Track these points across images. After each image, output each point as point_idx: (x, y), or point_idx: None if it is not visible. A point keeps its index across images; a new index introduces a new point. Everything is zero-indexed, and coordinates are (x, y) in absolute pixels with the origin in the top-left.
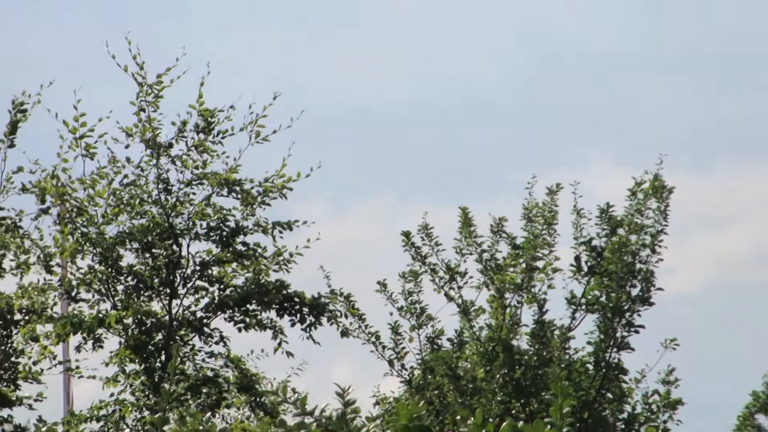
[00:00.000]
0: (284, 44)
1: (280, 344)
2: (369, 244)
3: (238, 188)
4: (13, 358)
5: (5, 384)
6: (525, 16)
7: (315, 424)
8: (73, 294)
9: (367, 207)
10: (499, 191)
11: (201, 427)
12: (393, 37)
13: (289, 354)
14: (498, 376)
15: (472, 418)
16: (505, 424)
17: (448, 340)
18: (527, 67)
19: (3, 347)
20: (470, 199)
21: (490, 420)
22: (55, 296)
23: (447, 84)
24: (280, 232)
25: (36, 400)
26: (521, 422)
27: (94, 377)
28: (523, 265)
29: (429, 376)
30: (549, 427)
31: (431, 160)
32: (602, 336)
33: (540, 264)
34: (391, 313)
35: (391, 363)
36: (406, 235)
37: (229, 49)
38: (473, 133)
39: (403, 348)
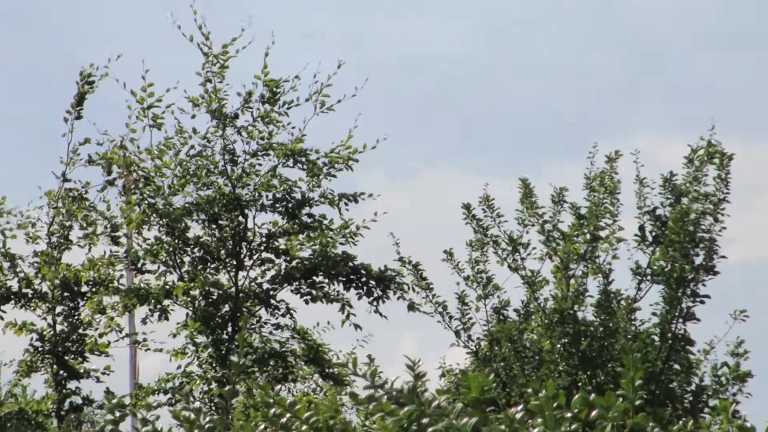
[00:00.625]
0: (347, 13)
1: (347, 317)
2: (431, 214)
3: (303, 159)
4: (80, 331)
5: (73, 356)
6: None
7: (386, 396)
8: (139, 265)
9: (430, 176)
10: (561, 158)
11: (270, 400)
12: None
13: (357, 326)
14: (561, 347)
15: (544, 391)
16: (577, 396)
17: (515, 311)
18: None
19: (70, 319)
20: (532, 167)
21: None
22: (121, 268)
23: (509, 51)
24: (346, 204)
25: (103, 373)
26: (592, 395)
27: (160, 350)
28: (587, 235)
29: (495, 348)
30: (620, 399)
31: (492, 129)
32: (667, 307)
33: (604, 234)
34: (458, 283)
35: (457, 334)
36: (467, 207)
37: (292, 18)
38: (532, 100)
39: (470, 318)
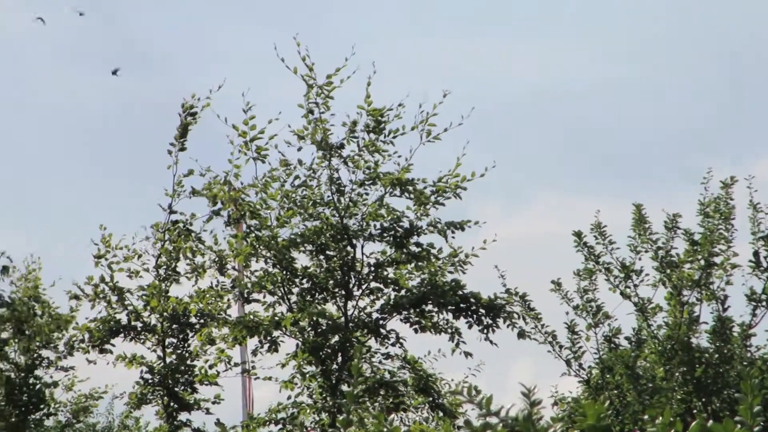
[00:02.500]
0: (444, 43)
1: (457, 345)
2: (541, 241)
3: (410, 188)
4: (189, 362)
5: (183, 388)
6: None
7: (501, 424)
8: (248, 297)
9: (540, 203)
10: (673, 183)
11: (384, 429)
12: (550, 33)
13: (468, 354)
14: (677, 374)
15: (660, 418)
16: (694, 423)
17: (626, 338)
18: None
19: (180, 351)
20: (646, 191)
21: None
22: (229, 299)
23: (617, 71)
24: (453, 232)
25: (214, 403)
26: (710, 421)
27: (270, 378)
28: (701, 261)
29: (607, 376)
30: (739, 426)
31: (603, 153)
32: None
33: (718, 260)
34: (567, 312)
35: (568, 363)
36: (578, 235)
37: (392, 48)
38: (646, 122)
39: (581, 347)
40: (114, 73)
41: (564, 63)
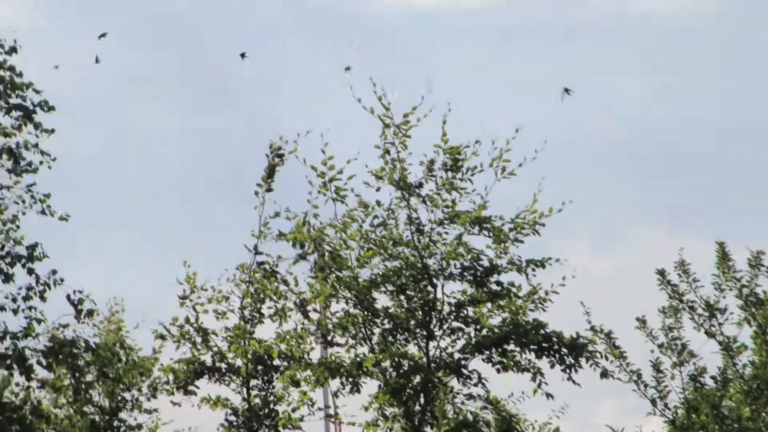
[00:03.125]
0: (510, 81)
1: (539, 386)
2: (625, 278)
3: (488, 225)
4: (272, 405)
5: (266, 430)
6: None
7: None
8: (330, 338)
9: (626, 240)
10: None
11: None
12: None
13: (549, 395)
14: (764, 414)
15: None
16: None
17: (712, 378)
18: None
19: (264, 393)
20: (730, 230)
21: None
22: (311, 341)
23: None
24: (533, 269)
25: None
26: None
27: (353, 424)
28: None
29: (693, 416)
30: None
31: (689, 189)
32: None
33: None
34: (652, 350)
35: (653, 402)
36: (661, 273)
37: (462, 85)
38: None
39: (666, 386)
40: (242, 56)
41: (644, 95)
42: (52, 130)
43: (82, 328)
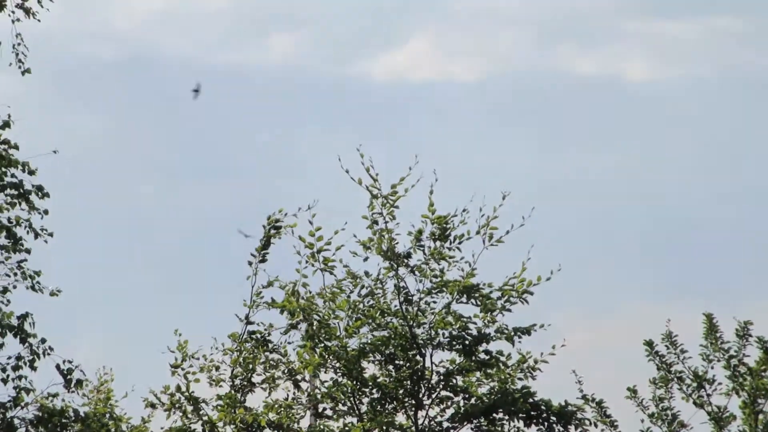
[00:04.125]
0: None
1: None
2: (615, 349)
3: (476, 294)
4: None
5: None
6: None
7: None
8: (320, 410)
9: (617, 311)
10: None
11: None
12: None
13: None
14: None
15: None
16: None
17: None
18: None
19: None
20: (717, 299)
21: None
22: (301, 411)
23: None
24: (519, 337)
25: None
26: None
27: None
28: None
29: None
30: None
31: (676, 259)
32: None
33: None
34: (642, 420)
35: None
36: (649, 344)
37: (447, 151)
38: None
39: None
40: (195, 91)
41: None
42: (46, 211)
43: (71, 397)
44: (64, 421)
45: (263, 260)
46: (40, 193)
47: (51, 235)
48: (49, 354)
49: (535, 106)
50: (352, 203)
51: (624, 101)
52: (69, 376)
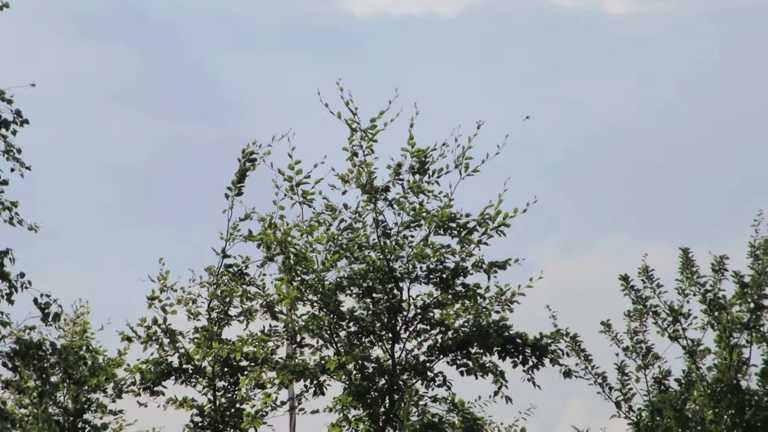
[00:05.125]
0: (489, 78)
1: (500, 389)
2: (595, 284)
3: (454, 224)
4: (238, 405)
5: (232, 431)
6: None
7: None
8: (298, 339)
9: (597, 246)
10: (722, 224)
11: None
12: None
13: (509, 399)
14: (726, 417)
15: None
16: None
17: (676, 380)
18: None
19: (230, 394)
20: (692, 233)
21: None
22: (276, 343)
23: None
24: (495, 272)
25: None
26: None
27: (317, 411)
28: (750, 303)
29: (657, 418)
30: None
31: (656, 195)
32: None
33: (767, 302)
34: (617, 354)
35: (618, 405)
36: (625, 279)
37: (434, 85)
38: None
39: (630, 389)
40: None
41: (618, 102)
42: (19, 150)
43: (48, 330)
44: (40, 354)
45: (239, 193)
46: (19, 120)
47: (29, 168)
48: (27, 288)
49: (517, 40)
50: (331, 136)
51: (603, 34)
52: (46, 310)
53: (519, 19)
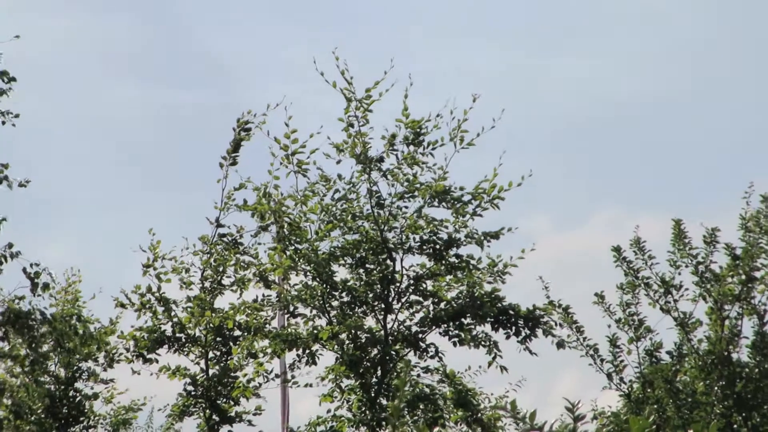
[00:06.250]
0: (485, 55)
1: (494, 359)
2: (590, 256)
3: (448, 197)
4: (232, 374)
5: (224, 400)
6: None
7: None
8: (291, 309)
9: (592, 218)
10: (715, 196)
11: None
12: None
13: (504, 369)
14: (717, 389)
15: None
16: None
17: (668, 353)
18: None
19: (222, 363)
20: (689, 205)
21: None
22: (268, 312)
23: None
24: (489, 242)
25: (255, 414)
26: None
27: (309, 385)
28: (742, 275)
29: (648, 390)
30: None
31: (651, 168)
32: None
33: (759, 274)
34: (609, 326)
35: (609, 376)
36: (617, 250)
37: (432, 58)
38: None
39: (622, 361)
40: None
41: (613, 78)
42: (17, 115)
43: (38, 300)
44: (31, 323)
45: (234, 163)
46: (6, 78)
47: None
48: (16, 257)
49: (516, 13)
50: (328, 105)
51: (606, 11)
52: (36, 280)
53: None
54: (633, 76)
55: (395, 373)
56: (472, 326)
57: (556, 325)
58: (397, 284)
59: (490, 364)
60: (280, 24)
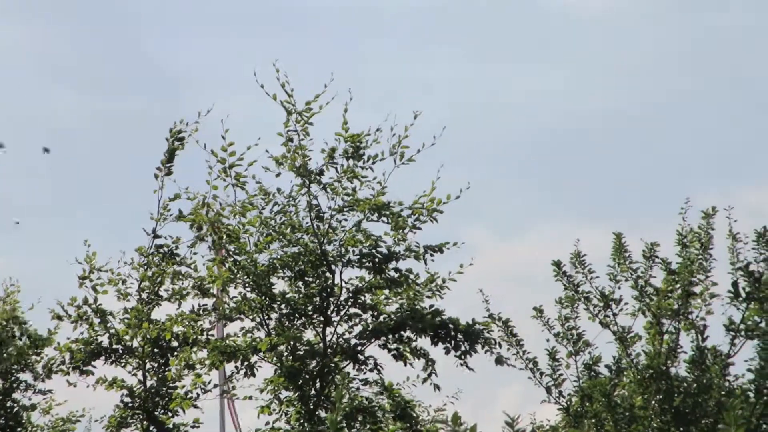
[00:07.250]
0: (432, 65)
1: (429, 375)
2: (529, 269)
3: (387, 212)
4: (169, 386)
5: (162, 411)
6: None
7: None
8: (230, 316)
9: (531, 232)
10: (653, 212)
11: None
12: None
13: (437, 387)
14: (654, 403)
15: None
16: None
17: (606, 366)
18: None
19: (160, 375)
20: (624, 221)
21: None
22: (210, 321)
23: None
24: (431, 255)
25: (193, 426)
26: None
27: (250, 398)
28: (680, 290)
29: (586, 404)
30: None
31: (590, 182)
32: (762, 363)
33: (697, 289)
34: (548, 340)
35: (548, 390)
36: (557, 264)
37: (372, 72)
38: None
39: (561, 375)
40: (45, 151)
41: (559, 91)
42: None
43: None
44: None
45: (169, 173)
46: None
47: None
48: None
49: (458, 22)
50: (267, 117)
51: (543, 17)
52: None
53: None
54: (591, 90)
55: (334, 386)
56: (412, 339)
57: (495, 343)
58: (336, 297)
59: (425, 380)
60: (232, 36)
